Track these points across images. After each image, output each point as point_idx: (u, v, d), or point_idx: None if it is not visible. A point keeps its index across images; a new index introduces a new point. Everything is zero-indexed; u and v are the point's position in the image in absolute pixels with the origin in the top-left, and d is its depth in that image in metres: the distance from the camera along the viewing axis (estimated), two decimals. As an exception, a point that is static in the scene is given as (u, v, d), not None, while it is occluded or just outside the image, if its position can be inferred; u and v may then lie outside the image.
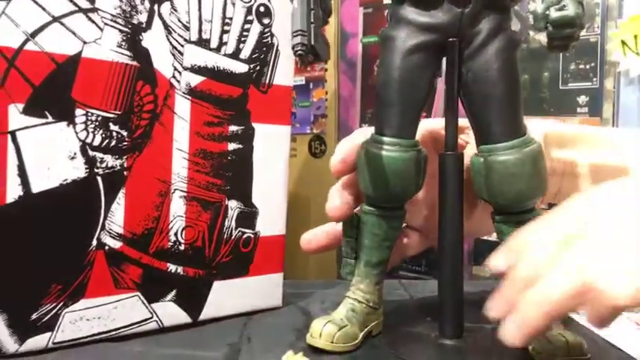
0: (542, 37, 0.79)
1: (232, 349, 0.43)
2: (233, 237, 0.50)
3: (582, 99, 0.75)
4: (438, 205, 0.43)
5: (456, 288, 0.43)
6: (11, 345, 0.39)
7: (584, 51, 0.75)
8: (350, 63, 0.92)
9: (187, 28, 0.46)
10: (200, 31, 0.46)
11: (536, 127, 0.47)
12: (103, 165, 0.42)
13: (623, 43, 0.72)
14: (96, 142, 0.42)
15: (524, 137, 0.40)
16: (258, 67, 0.50)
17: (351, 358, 0.41)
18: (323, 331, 0.41)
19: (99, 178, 0.42)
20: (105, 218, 0.43)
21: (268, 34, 0.51)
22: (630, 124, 0.73)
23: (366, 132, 0.44)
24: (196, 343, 0.45)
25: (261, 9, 0.50)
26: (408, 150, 0.41)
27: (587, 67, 0.75)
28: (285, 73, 0.52)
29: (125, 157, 0.43)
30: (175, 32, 0.45)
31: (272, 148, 0.52)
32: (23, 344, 0.40)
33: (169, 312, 0.47)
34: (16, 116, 0.38)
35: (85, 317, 0.42)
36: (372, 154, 0.41)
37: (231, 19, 0.48)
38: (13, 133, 0.38)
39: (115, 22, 0.42)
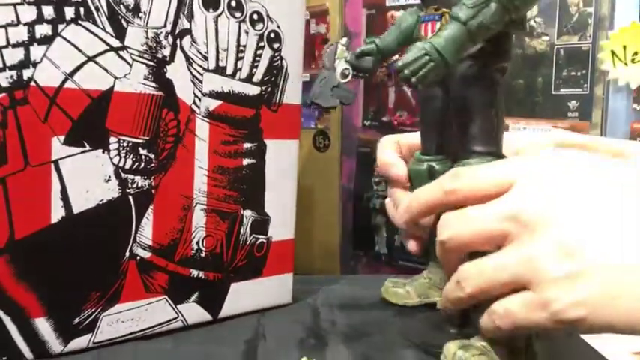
0: (537, 44, 0.83)
1: (249, 346, 0.49)
2: (248, 243, 0.55)
3: (573, 104, 0.80)
4: None
5: None
6: (57, 346, 0.45)
7: (577, 59, 0.79)
8: (353, 62, 0.96)
9: (206, 58, 0.50)
10: (217, 59, 0.51)
11: (547, 136, 0.52)
12: (134, 185, 0.47)
13: (613, 53, 0.76)
14: (127, 166, 0.47)
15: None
16: (269, 89, 0.55)
17: None
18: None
19: (130, 198, 0.47)
20: (136, 232, 0.48)
21: (278, 57, 0.55)
22: (617, 128, 0.77)
23: None
24: (217, 339, 0.51)
25: (272, 35, 0.54)
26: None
27: (579, 74, 0.79)
28: (293, 92, 0.57)
29: (153, 177, 0.48)
30: (195, 62, 0.50)
31: (282, 161, 0.57)
32: (67, 345, 0.45)
33: (193, 312, 0.53)
34: (58, 147, 0.43)
35: (120, 319, 0.48)
36: None
37: (244, 46, 0.53)
38: (56, 162, 0.43)
39: (142, 57, 0.47)
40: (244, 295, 0.56)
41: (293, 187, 0.59)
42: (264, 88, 0.55)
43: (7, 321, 0.43)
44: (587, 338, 0.50)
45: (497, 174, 0.38)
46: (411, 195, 0.44)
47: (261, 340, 0.50)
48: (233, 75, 0.52)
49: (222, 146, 0.52)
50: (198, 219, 0.52)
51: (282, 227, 0.58)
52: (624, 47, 0.74)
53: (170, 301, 0.51)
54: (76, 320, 0.46)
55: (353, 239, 1.26)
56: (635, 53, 0.76)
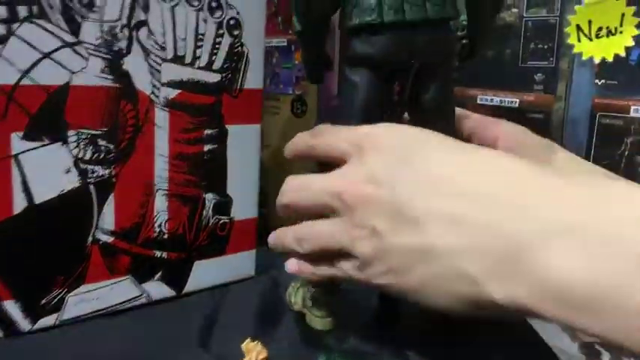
0: (506, 16, 0.83)
1: (208, 322, 0.52)
2: (210, 224, 0.58)
3: (539, 77, 0.81)
4: None
5: None
6: (25, 325, 0.48)
7: (544, 31, 0.80)
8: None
9: (164, 48, 0.51)
10: (175, 49, 0.52)
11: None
12: (94, 175, 0.49)
13: (578, 27, 0.76)
14: (87, 157, 0.49)
15: None
16: (229, 76, 0.56)
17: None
18: None
19: (91, 187, 0.49)
20: (98, 219, 0.50)
21: (238, 44, 0.56)
22: (580, 102, 0.79)
23: None
24: (178, 315, 0.54)
25: (231, 22, 0.55)
26: None
27: (546, 47, 0.79)
28: (254, 77, 0.58)
29: (113, 166, 0.50)
30: (153, 53, 0.51)
31: (244, 145, 0.59)
32: (35, 324, 0.49)
33: (157, 289, 0.56)
34: (17, 142, 0.45)
35: (85, 299, 0.51)
36: None
37: (203, 34, 0.53)
38: (16, 157, 0.45)
39: (98, 51, 0.48)
40: (208, 272, 0.59)
41: (255, 169, 0.61)
42: (224, 75, 0.56)
43: (-24, 305, 0.46)
44: (543, 333, 0.53)
45: (352, 137, 0.41)
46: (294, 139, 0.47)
47: (220, 314, 0.54)
48: (192, 64, 0.53)
49: (182, 134, 0.54)
50: (160, 204, 0.54)
51: (244, 207, 0.61)
52: (589, 22, 0.75)
53: (135, 280, 0.54)
54: (43, 301, 0.49)
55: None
56: (600, 28, 0.76)
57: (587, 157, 0.81)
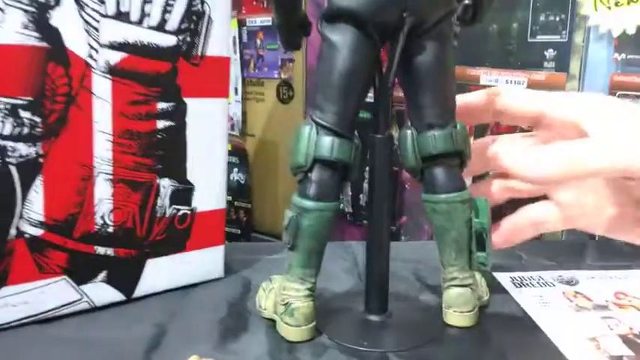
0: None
1: (158, 330, 0.44)
2: (167, 215, 0.49)
3: (550, 53, 0.72)
4: (368, 186, 0.44)
5: (380, 266, 0.45)
6: None
7: (556, 1, 0.71)
8: (317, 4, 0.88)
9: (102, 2, 0.43)
10: (118, 3, 0.43)
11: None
12: (16, 154, 0.41)
13: (596, -5, 0.67)
14: (6, 132, 0.40)
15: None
16: (188, 39, 0.47)
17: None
18: None
19: (12, 168, 0.41)
20: (22, 207, 0.42)
21: (198, 1, 0.47)
22: (596, 80, 0.70)
23: None
24: (126, 323, 0.45)
25: (189, -26, 0.46)
26: None
27: (557, 19, 0.71)
28: (220, 42, 0.49)
29: (40, 144, 0.41)
30: (88, 7, 0.42)
31: (208, 122, 0.50)
32: (-56, 335, 0.40)
33: (101, 292, 0.47)
34: None
35: (10, 303, 0.42)
36: None
37: (153, -13, 0.45)
38: None
39: (17, 1, 0.39)
40: (164, 272, 0.50)
41: (223, 152, 0.52)
42: (181, 37, 0.47)
43: None
44: (544, 327, 0.45)
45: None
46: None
47: (173, 324, 0.45)
48: (140, 22, 0.45)
49: (129, 107, 0.45)
50: (102, 190, 0.45)
51: (210, 197, 0.52)
52: (608, -12, 0.65)
53: (71, 281, 0.45)
54: (-47, 307, 0.40)
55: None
56: (620, -5, 0.66)
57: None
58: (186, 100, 0.48)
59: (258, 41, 1.01)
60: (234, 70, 1.07)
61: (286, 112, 0.99)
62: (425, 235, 0.86)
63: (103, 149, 0.44)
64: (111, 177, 0.45)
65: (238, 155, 1.09)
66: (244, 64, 1.06)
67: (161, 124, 0.47)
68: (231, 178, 1.10)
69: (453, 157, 0.42)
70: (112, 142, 0.45)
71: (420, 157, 0.42)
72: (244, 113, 1.09)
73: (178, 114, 0.48)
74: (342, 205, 1.04)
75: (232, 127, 1.10)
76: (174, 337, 0.43)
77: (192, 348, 0.39)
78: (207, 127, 0.50)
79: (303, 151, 0.40)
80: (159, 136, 0.47)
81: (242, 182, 1.09)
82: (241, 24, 1.05)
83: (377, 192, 0.44)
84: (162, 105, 0.47)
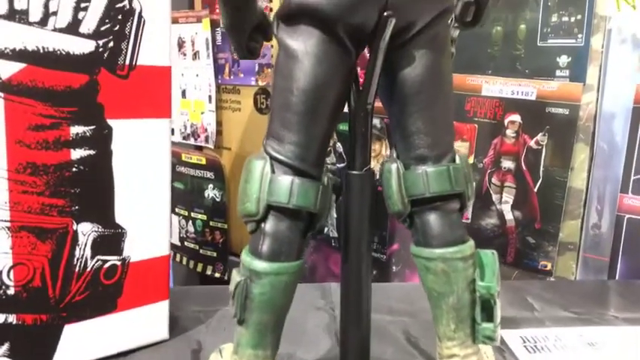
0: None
1: None
2: (89, 268, 0.39)
3: (563, 60, 0.62)
4: (343, 226, 0.35)
5: (360, 328, 0.36)
6: None
7: (570, 0, 0.61)
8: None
9: (-13, -4, 0.32)
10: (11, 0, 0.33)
11: None
12: None
13: (619, -7, 0.57)
14: None
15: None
16: (111, 44, 0.37)
17: None
18: None
19: None
20: None
21: (124, -4, 0.37)
22: (619, 92, 0.61)
23: None
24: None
25: (111, -39, 0.36)
26: None
27: (572, 20, 0.61)
28: (157, 48, 0.39)
29: None
30: (-33, 3, 0.32)
31: (143, 150, 0.40)
32: None
33: (0, 371, 0.36)
34: None
35: None
36: None
37: (61, -23, 0.34)
38: None
39: None
40: (89, 340, 0.40)
41: (164, 184, 0.42)
42: (101, 42, 0.37)
43: None
44: None
45: None
46: None
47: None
48: (42, 23, 0.34)
49: (30, 133, 0.35)
50: (-3, 242, 0.35)
51: (148, 242, 0.42)
52: (634, -16, 0.54)
53: (-44, 362, 0.35)
54: None
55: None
56: (648, -8, 0.55)
57: (626, 165, 0.62)
58: (112, 122, 0.38)
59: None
60: (207, 76, 0.97)
61: (265, 123, 0.89)
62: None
63: (-6, 189, 0.34)
64: (8, 225, 0.35)
65: (213, 170, 0.99)
66: (218, 70, 0.96)
67: (77, 153, 0.37)
68: (206, 195, 1.00)
69: (451, 199, 0.32)
70: (7, 179, 0.34)
71: (408, 200, 0.32)
72: (219, 124, 0.98)
73: (101, 140, 0.38)
74: (326, 230, 0.93)
75: (207, 140, 1.00)
76: None
77: None
78: (143, 155, 0.40)
79: (253, 195, 0.30)
80: (74, 170, 0.37)
81: (217, 200, 0.99)
82: (214, 24, 0.94)
83: (352, 244, 0.34)
84: (77, 129, 0.37)
